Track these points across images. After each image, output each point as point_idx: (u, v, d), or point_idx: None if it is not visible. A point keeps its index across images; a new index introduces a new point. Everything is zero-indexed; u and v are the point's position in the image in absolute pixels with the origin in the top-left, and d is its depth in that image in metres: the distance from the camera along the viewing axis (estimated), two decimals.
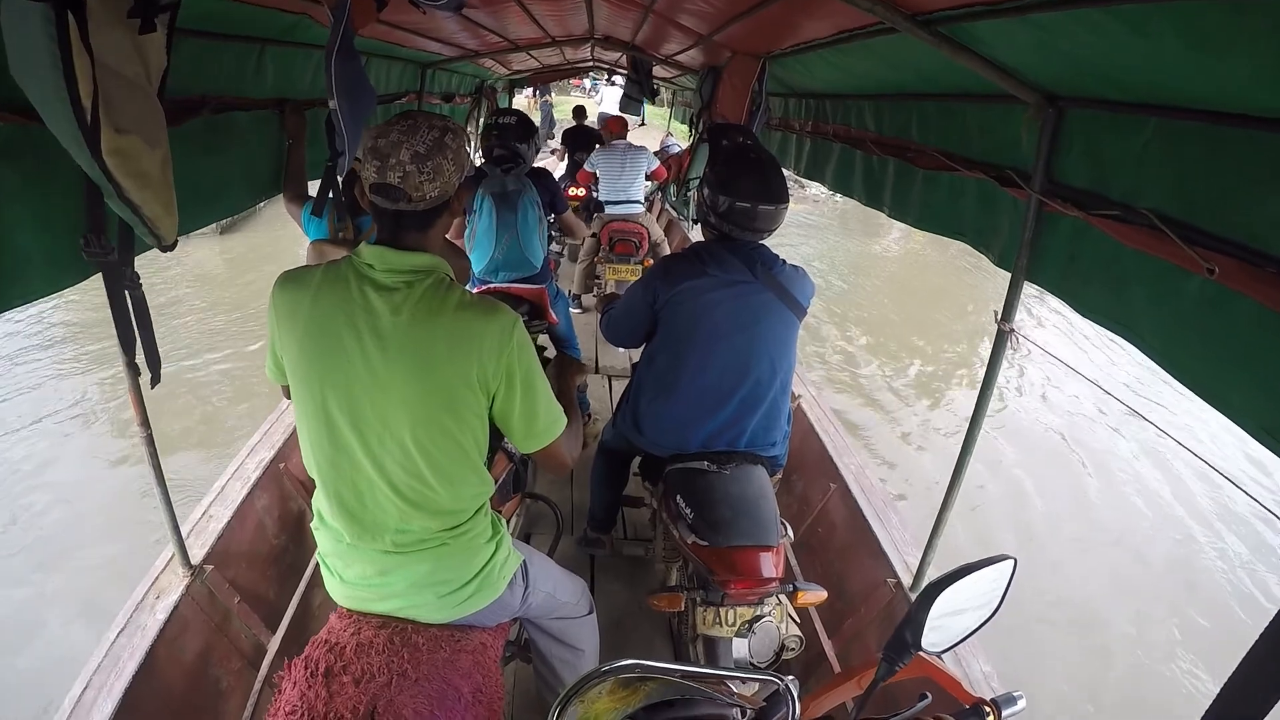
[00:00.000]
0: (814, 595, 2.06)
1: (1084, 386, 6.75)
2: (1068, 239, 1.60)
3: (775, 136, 4.02)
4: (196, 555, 2.34)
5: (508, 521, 2.17)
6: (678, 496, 2.15)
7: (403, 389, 1.34)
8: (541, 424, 1.47)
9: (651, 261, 6.02)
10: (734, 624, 2.00)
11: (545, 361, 1.58)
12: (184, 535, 2.28)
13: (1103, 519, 5.33)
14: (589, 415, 4.28)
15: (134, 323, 1.65)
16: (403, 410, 1.35)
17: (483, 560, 1.53)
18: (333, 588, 1.58)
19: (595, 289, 6.53)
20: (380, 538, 1.45)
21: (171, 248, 1.49)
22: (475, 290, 3.05)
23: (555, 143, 10.86)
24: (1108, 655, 4.15)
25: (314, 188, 2.71)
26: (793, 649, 2.06)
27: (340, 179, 2.60)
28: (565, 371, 1.82)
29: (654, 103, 6.19)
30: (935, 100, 2.08)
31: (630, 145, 6.26)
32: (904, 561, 2.51)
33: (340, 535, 1.49)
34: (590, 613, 1.94)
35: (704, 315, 2.17)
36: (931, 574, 2.35)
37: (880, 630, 2.39)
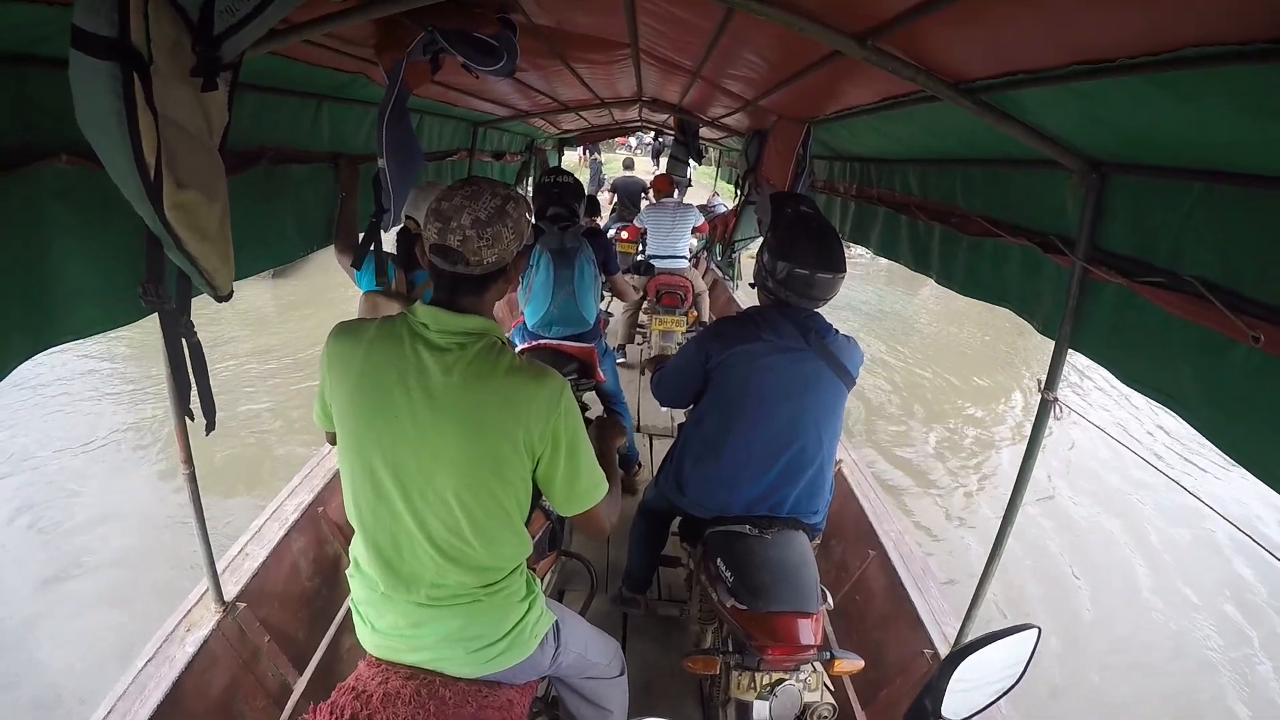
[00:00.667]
0: (850, 664, 2.02)
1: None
2: (1111, 307, 1.58)
3: (820, 199, 4.03)
4: (230, 592, 2.36)
5: (542, 579, 2.16)
6: (718, 559, 2.14)
7: (450, 448, 1.35)
8: (583, 488, 1.48)
9: (695, 314, 6.22)
10: (769, 689, 1.97)
11: (587, 422, 1.60)
12: (219, 571, 2.31)
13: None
14: (637, 465, 4.25)
15: (190, 370, 1.69)
16: (448, 468, 1.37)
17: (515, 618, 1.53)
18: (364, 635, 1.58)
19: (638, 339, 6.60)
20: (415, 590, 1.45)
21: (227, 298, 1.53)
22: (527, 345, 3.45)
23: (604, 195, 11.21)
24: None
25: None
26: (825, 716, 2.03)
27: (385, 233, 2.68)
28: (607, 434, 1.81)
29: (700, 164, 6.26)
30: (979, 165, 2.09)
31: (679, 204, 6.50)
32: (941, 632, 2.44)
33: (375, 584, 1.49)
34: (622, 674, 1.92)
35: (755, 379, 2.18)
36: None
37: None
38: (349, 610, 2.84)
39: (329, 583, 2.97)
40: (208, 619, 2.26)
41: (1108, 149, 1.47)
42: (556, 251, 3.47)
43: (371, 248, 2.64)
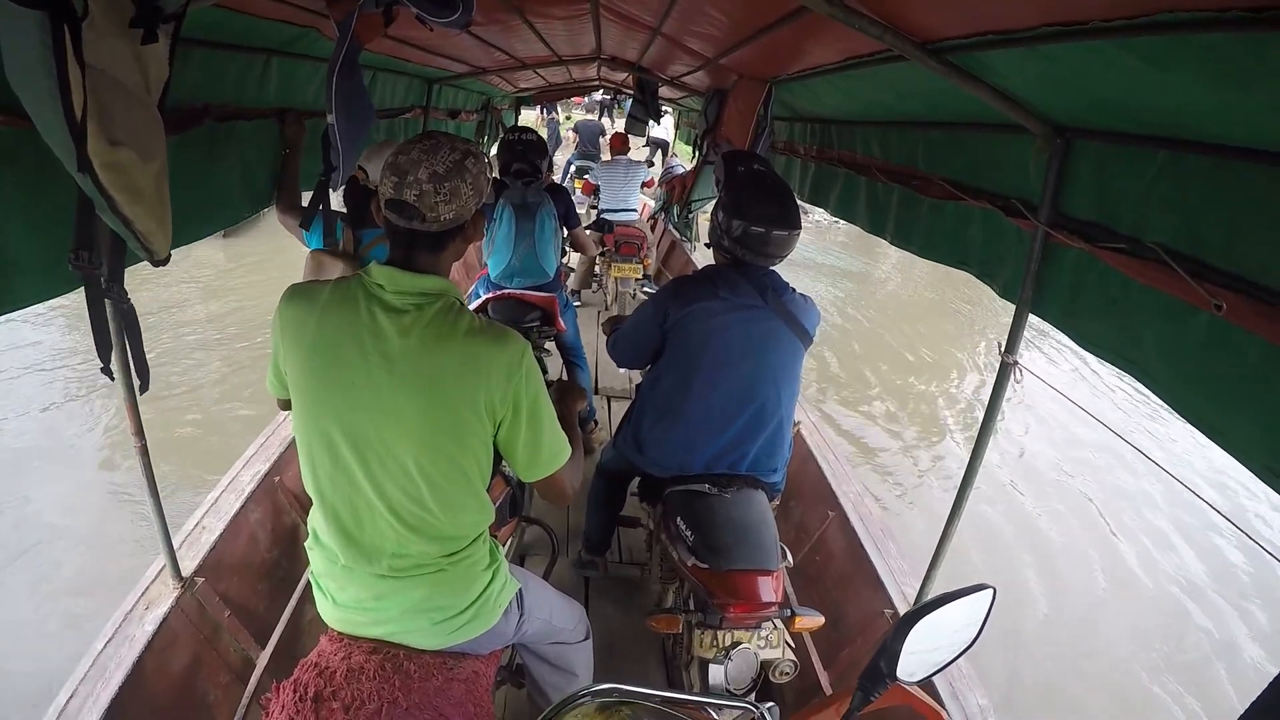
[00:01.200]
0: (811, 620, 2.06)
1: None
2: (1073, 272, 1.59)
3: (780, 161, 4.01)
4: (188, 567, 2.31)
5: (503, 546, 2.15)
6: (678, 518, 2.17)
7: (409, 414, 1.32)
8: (545, 454, 1.45)
9: (649, 261, 6.57)
10: (730, 647, 1.98)
11: (547, 384, 1.59)
12: (175, 546, 2.25)
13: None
14: (594, 423, 4.29)
15: (124, 335, 1.65)
16: (407, 434, 1.33)
17: (479, 588, 1.50)
18: (325, 610, 1.54)
19: (594, 285, 7.13)
20: (377, 561, 1.41)
21: (164, 262, 1.46)
22: (490, 295, 3.64)
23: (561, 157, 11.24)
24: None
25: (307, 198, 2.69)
26: (786, 673, 2.04)
27: (340, 191, 2.59)
28: (567, 398, 1.78)
29: (658, 123, 6.24)
30: (943, 129, 2.07)
31: (630, 161, 6.96)
32: (901, 592, 2.48)
33: (335, 557, 1.45)
34: (586, 638, 1.92)
35: (713, 338, 2.18)
36: None
37: None
38: (309, 582, 2.82)
39: (288, 554, 2.92)
40: (166, 596, 2.20)
41: (1073, 113, 1.46)
42: (519, 206, 3.63)
43: (320, 207, 2.55)
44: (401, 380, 1.31)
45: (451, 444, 1.35)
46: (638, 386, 2.55)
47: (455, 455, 1.36)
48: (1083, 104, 1.39)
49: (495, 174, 3.49)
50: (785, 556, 2.19)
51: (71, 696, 1.86)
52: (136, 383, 1.72)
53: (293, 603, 2.69)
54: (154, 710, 2.01)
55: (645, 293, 6.42)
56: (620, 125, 8.82)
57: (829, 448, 3.61)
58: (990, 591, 1.01)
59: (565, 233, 3.99)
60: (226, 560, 2.51)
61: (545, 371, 1.96)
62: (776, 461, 2.34)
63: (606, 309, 6.88)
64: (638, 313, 2.42)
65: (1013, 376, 1.93)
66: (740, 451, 2.26)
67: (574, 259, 6.78)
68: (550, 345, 3.85)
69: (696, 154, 4.82)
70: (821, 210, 3.52)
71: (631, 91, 6.16)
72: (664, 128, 12.82)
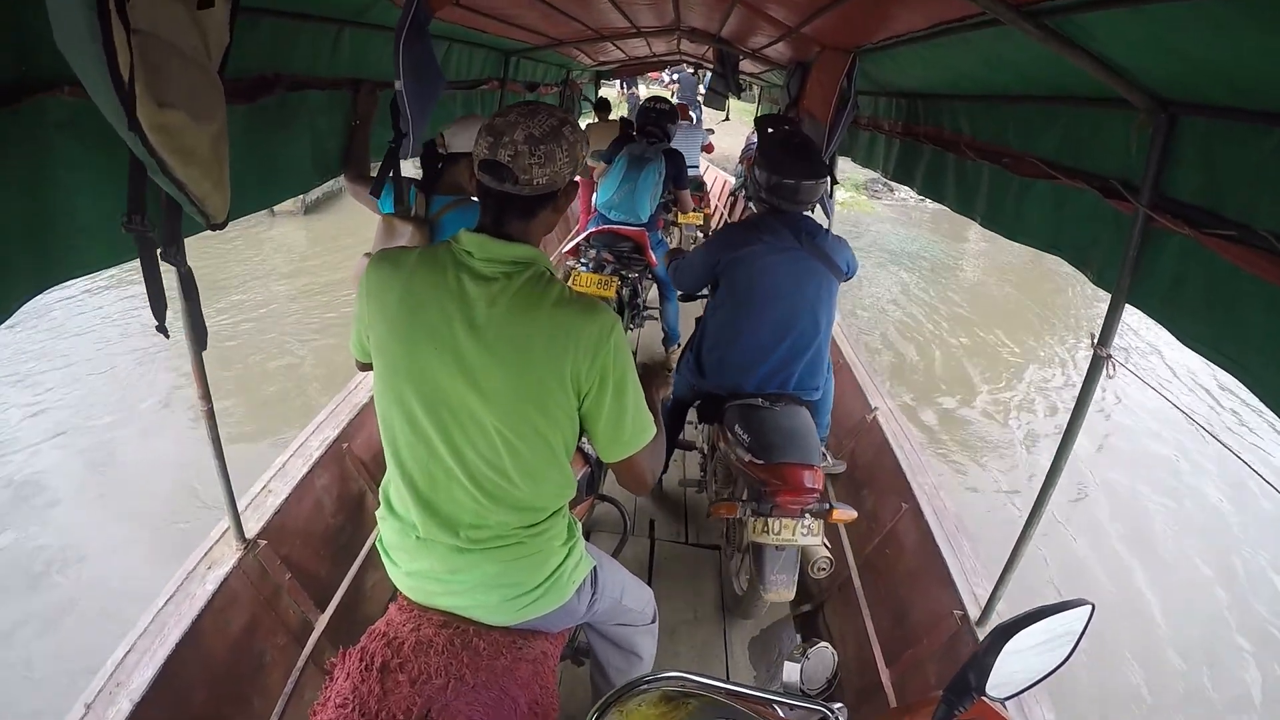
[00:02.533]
0: (845, 514, 2.42)
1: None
2: (1175, 259, 1.45)
3: (864, 137, 3.87)
4: (252, 529, 2.36)
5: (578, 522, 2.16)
6: (736, 426, 2.59)
7: (492, 380, 1.31)
8: (628, 432, 1.41)
9: (708, 209, 7.32)
10: (779, 533, 2.36)
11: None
12: (240, 509, 2.30)
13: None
14: (677, 345, 4.97)
15: (183, 298, 1.68)
16: (491, 402, 1.32)
17: (555, 563, 1.49)
18: (396, 576, 1.55)
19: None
20: (454, 532, 1.41)
21: (221, 226, 1.47)
22: (594, 229, 4.54)
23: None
24: None
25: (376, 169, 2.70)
26: (823, 569, 2.46)
27: (413, 159, 2.59)
28: (651, 382, 1.72)
29: (739, 97, 6.11)
30: (1036, 103, 1.93)
31: (689, 126, 7.45)
32: (973, 593, 2.36)
33: (410, 529, 1.45)
34: (653, 621, 1.90)
35: (757, 278, 2.62)
36: (1001, 610, 2.21)
37: (940, 664, 2.26)
38: (372, 548, 2.87)
39: (353, 520, 2.98)
40: (229, 557, 2.26)
41: (1180, 86, 1.33)
42: (635, 156, 4.40)
43: (390, 174, 2.56)
44: (487, 348, 1.29)
45: (536, 413, 1.33)
46: (697, 319, 3.04)
47: (540, 425, 1.34)
48: (1191, 75, 1.26)
49: (635, 130, 4.90)
50: (826, 458, 2.59)
51: (129, 650, 1.91)
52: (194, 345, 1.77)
53: (354, 569, 2.74)
54: (210, 667, 2.06)
55: (703, 235, 7.06)
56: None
57: (905, 436, 3.48)
58: (1088, 608, 0.95)
59: (673, 191, 4.98)
60: (290, 524, 2.56)
61: (637, 296, 2.01)
62: (817, 380, 2.78)
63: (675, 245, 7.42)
64: (695, 251, 2.87)
65: (1105, 370, 1.80)
66: (786, 373, 2.69)
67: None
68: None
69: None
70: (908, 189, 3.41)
71: (712, 66, 6.03)
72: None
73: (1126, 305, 1.64)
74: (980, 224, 2.34)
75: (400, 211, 2.64)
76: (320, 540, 2.73)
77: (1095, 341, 1.78)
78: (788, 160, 2.54)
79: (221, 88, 1.35)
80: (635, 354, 4.96)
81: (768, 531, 2.37)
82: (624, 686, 1.03)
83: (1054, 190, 1.87)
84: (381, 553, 1.56)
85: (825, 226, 2.74)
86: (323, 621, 2.45)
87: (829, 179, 2.68)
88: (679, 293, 3.35)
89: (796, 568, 2.45)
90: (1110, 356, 1.76)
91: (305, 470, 2.73)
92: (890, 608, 2.00)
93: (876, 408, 3.72)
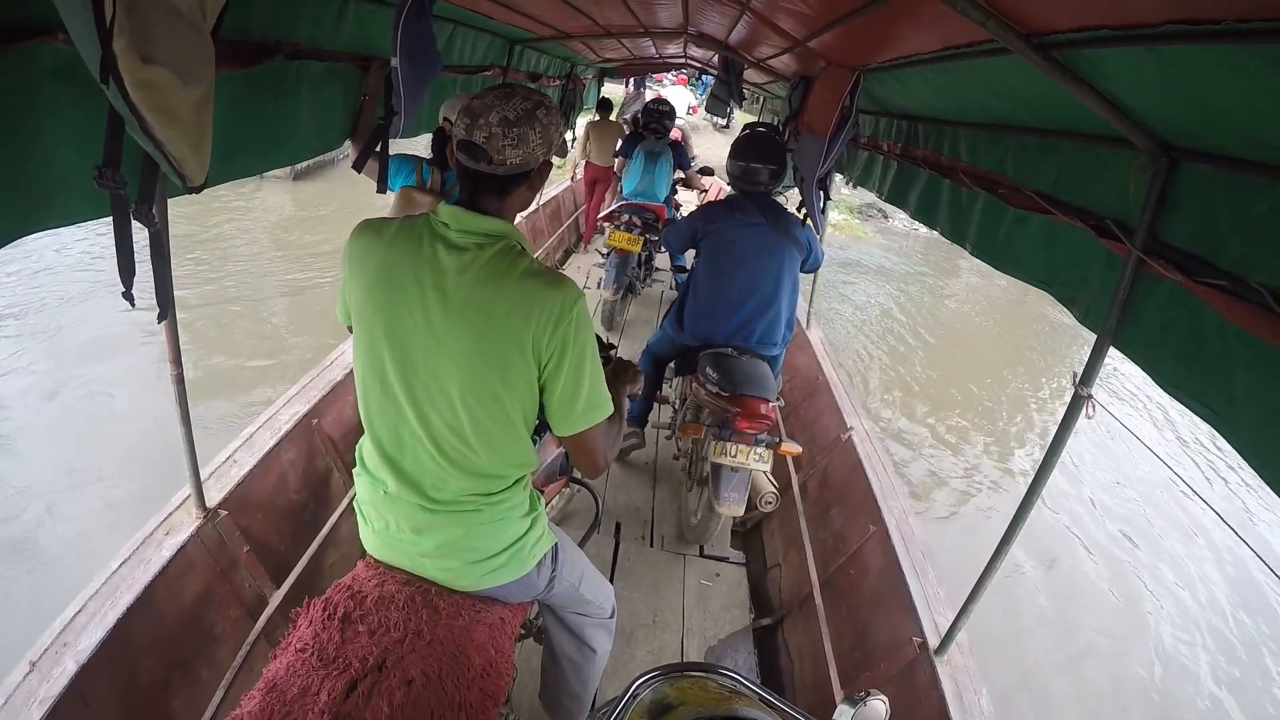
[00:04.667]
0: (791, 447, 3.06)
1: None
2: (1164, 305, 1.44)
3: (862, 156, 3.86)
4: (213, 499, 2.32)
5: (548, 503, 2.18)
6: (708, 368, 3.12)
7: (457, 344, 1.36)
8: (582, 405, 1.44)
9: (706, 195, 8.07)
10: (735, 455, 2.88)
11: (607, 360, 1.67)
12: (203, 477, 2.26)
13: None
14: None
15: (152, 261, 1.64)
16: (454, 366, 1.37)
17: (516, 534, 1.56)
18: (365, 536, 1.62)
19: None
20: (417, 492, 1.47)
21: (198, 190, 1.44)
22: (621, 203, 5.85)
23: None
24: None
25: None
26: (769, 502, 3.07)
27: (394, 138, 2.58)
28: (621, 378, 1.78)
29: (740, 106, 6.16)
30: (1037, 135, 1.92)
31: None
32: (934, 622, 2.35)
33: (380, 484, 1.51)
34: (611, 617, 1.95)
35: (728, 247, 3.23)
36: (960, 640, 2.20)
37: (897, 689, 2.24)
38: (334, 526, 2.82)
39: (317, 497, 2.93)
40: (187, 524, 2.21)
41: (1184, 130, 1.31)
42: (649, 152, 6.03)
43: (376, 149, 2.54)
44: (453, 312, 1.35)
45: (497, 379, 1.38)
46: (678, 283, 3.92)
47: (499, 392, 1.39)
48: (1198, 120, 1.24)
49: (640, 128, 6.32)
50: (779, 398, 3.14)
51: (79, 611, 1.88)
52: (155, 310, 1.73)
53: (314, 546, 2.70)
54: (160, 634, 2.03)
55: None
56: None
57: (879, 459, 3.47)
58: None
59: (679, 173, 6.41)
60: (253, 496, 2.51)
61: (611, 349, 1.99)
62: (775, 337, 3.31)
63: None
64: (682, 220, 3.56)
65: (1084, 410, 1.78)
66: (749, 328, 3.25)
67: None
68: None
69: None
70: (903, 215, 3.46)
71: (716, 71, 6.04)
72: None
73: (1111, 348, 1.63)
74: (971, 252, 2.33)
75: (419, 185, 2.80)
76: (282, 515, 2.68)
77: (1077, 380, 1.77)
78: (749, 149, 3.21)
79: (213, 50, 1.31)
80: (624, 318, 6.31)
81: (725, 454, 2.88)
82: (669, 666, 1.09)
83: (1047, 225, 1.86)
84: (357, 510, 1.62)
85: (799, 217, 3.52)
86: (277, 597, 2.41)
87: (784, 166, 3.24)
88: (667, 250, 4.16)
89: (747, 489, 2.95)
90: (1091, 396, 1.75)
91: (272, 443, 2.68)
92: (850, 629, 1.98)
93: (852, 428, 3.73)
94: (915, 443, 6.86)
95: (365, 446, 1.55)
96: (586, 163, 8.05)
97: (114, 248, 1.43)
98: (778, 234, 3.18)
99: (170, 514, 2.24)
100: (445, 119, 2.92)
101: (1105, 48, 1.20)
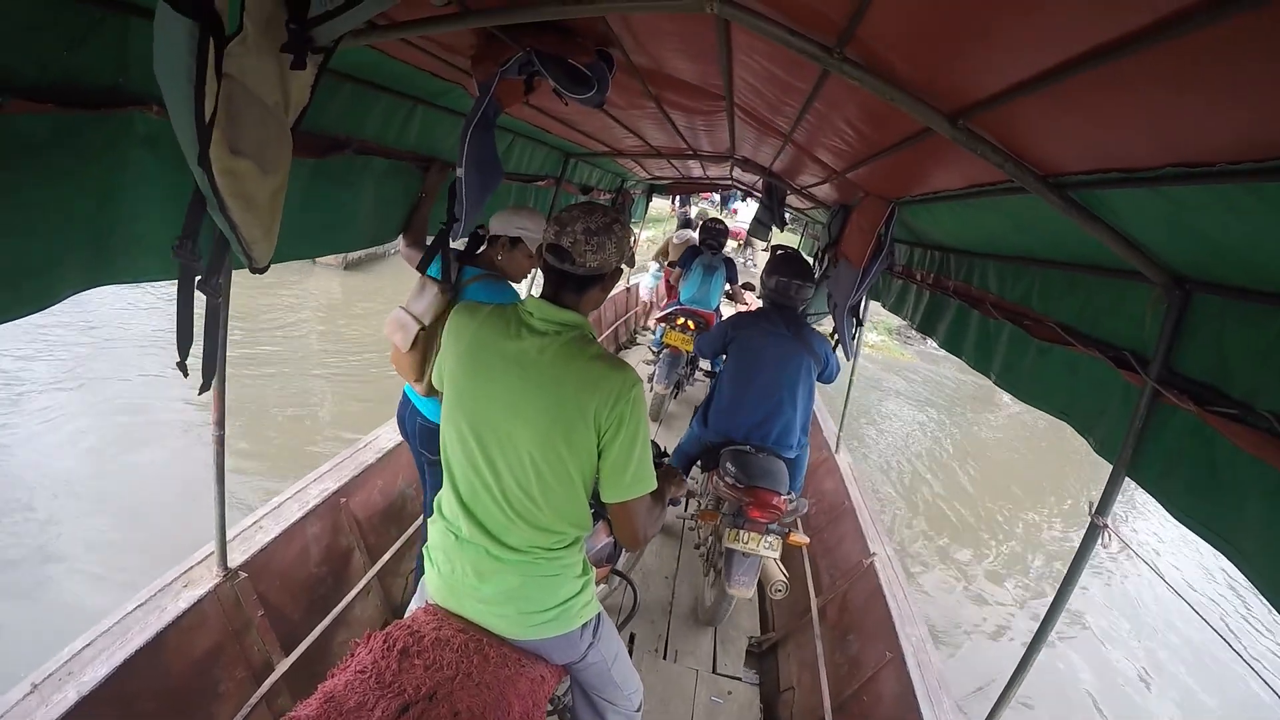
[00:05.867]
0: (800, 539, 3.32)
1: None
2: (1177, 435, 1.47)
3: (896, 285, 3.96)
4: (235, 559, 2.37)
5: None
6: (727, 463, 3.37)
7: (531, 411, 1.57)
8: (630, 476, 1.62)
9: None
10: (746, 542, 3.11)
11: (658, 464, 1.86)
12: (228, 538, 2.31)
13: None
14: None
15: (207, 327, 1.75)
16: (528, 429, 1.58)
17: (568, 593, 1.73)
18: (430, 579, 1.81)
19: None
20: (487, 536, 1.66)
21: (262, 271, 1.59)
22: (678, 308, 6.68)
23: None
24: None
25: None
26: (779, 591, 3.27)
27: (454, 241, 2.74)
28: (667, 479, 2.00)
29: (781, 230, 6.36)
30: (1060, 268, 1.99)
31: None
32: None
33: (453, 530, 1.72)
34: (638, 711, 2.02)
35: (752, 353, 3.55)
36: None
37: None
38: (347, 606, 2.84)
39: (336, 574, 2.96)
40: (206, 580, 2.26)
41: (1195, 264, 1.38)
42: (706, 265, 6.79)
43: (440, 250, 2.70)
44: (530, 382, 1.58)
45: (562, 443, 1.58)
46: (710, 386, 4.28)
47: (564, 454, 1.59)
48: (1205, 253, 1.31)
49: (699, 244, 6.96)
50: (794, 498, 3.24)
51: (87, 645, 1.92)
52: (199, 382, 1.79)
53: (327, 621, 2.71)
54: (163, 683, 2.05)
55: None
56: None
57: (900, 585, 3.42)
58: None
59: (728, 285, 7.01)
60: (274, 564, 2.56)
61: (680, 389, 2.37)
62: (791, 440, 3.53)
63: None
64: (716, 326, 3.98)
65: (1100, 540, 1.78)
66: (766, 428, 3.49)
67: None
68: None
69: (816, 266, 4.81)
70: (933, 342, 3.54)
71: (760, 195, 6.25)
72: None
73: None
74: (995, 382, 2.37)
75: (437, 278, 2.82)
76: (299, 586, 2.71)
77: (1093, 510, 1.77)
78: (785, 267, 3.61)
79: (292, 143, 1.45)
80: (667, 411, 6.80)
81: (738, 540, 3.13)
82: None
83: (1068, 356, 1.90)
84: (425, 556, 1.83)
85: (821, 332, 3.76)
86: (283, 666, 2.42)
87: (813, 284, 3.65)
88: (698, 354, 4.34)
89: (757, 573, 3.21)
90: (1107, 526, 1.75)
91: (299, 515, 2.74)
92: None
93: (875, 554, 3.69)
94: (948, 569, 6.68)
95: (443, 496, 1.76)
96: (668, 265, 8.94)
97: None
98: (798, 344, 3.50)
99: (191, 568, 2.29)
100: (483, 227, 3.04)
101: (1115, 188, 1.29)
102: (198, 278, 1.54)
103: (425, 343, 2.56)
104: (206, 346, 1.76)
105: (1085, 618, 6.01)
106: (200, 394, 1.85)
